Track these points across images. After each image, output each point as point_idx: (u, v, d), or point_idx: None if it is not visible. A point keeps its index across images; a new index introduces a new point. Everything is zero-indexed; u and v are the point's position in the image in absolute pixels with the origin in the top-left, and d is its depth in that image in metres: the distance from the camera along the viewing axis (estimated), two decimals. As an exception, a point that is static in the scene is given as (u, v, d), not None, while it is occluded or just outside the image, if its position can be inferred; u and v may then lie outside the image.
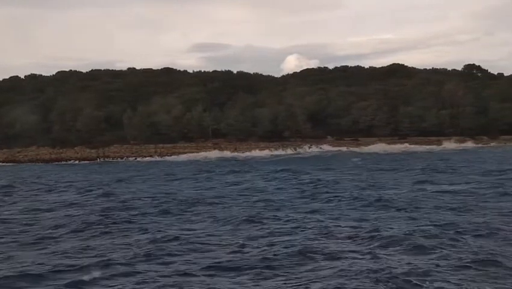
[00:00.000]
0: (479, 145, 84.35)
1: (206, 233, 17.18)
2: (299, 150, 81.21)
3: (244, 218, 19.33)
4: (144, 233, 17.26)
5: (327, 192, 26.51)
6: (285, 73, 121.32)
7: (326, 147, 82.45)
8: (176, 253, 14.49)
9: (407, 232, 15.78)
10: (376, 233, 15.89)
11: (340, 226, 17.55)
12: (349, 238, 15.67)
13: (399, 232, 16.00)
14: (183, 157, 76.01)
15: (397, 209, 20.56)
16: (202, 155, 77.13)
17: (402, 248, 14.19)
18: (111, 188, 32.54)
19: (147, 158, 77.97)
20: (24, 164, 74.30)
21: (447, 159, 53.37)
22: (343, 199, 23.83)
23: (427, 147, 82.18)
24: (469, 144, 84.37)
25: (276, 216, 19.77)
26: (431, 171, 38.34)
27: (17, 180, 42.04)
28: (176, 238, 16.18)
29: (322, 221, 18.49)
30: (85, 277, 12.24)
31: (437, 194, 24.94)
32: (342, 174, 38.09)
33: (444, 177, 33.40)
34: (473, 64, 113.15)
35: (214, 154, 77.34)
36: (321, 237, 15.82)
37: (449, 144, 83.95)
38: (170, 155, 79.54)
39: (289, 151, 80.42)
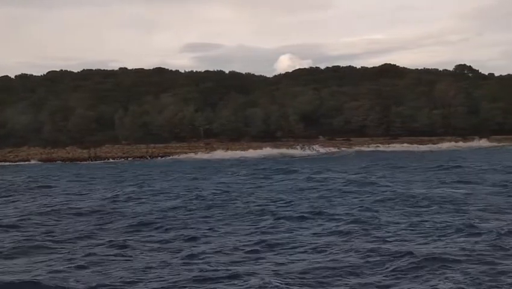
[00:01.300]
0: (478, 144, 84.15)
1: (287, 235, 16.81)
2: (291, 150, 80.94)
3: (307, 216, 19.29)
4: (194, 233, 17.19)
5: (369, 192, 26.24)
6: (277, 73, 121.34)
7: (318, 148, 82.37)
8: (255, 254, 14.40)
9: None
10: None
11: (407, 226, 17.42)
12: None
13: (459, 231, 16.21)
14: (184, 157, 75.88)
15: (451, 208, 20.53)
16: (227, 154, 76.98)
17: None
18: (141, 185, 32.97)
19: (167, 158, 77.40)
20: (19, 164, 73.52)
21: (463, 158, 53.45)
22: (391, 198, 23.50)
23: (428, 146, 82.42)
24: (480, 143, 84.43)
25: (337, 216, 19.61)
26: (451, 169, 38.74)
27: (33, 179, 41.74)
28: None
29: (391, 219, 18.42)
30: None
31: (476, 193, 24.82)
32: (368, 173, 37.50)
33: (472, 177, 32.95)
34: (464, 64, 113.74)
35: (228, 154, 76.90)
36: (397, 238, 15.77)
37: (447, 144, 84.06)
38: (163, 156, 79.24)
39: (297, 151, 79.62)
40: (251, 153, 77.11)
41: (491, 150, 71.19)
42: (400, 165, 45.58)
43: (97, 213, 21.91)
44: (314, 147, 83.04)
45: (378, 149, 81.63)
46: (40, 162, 75.69)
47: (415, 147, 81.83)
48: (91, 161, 78.21)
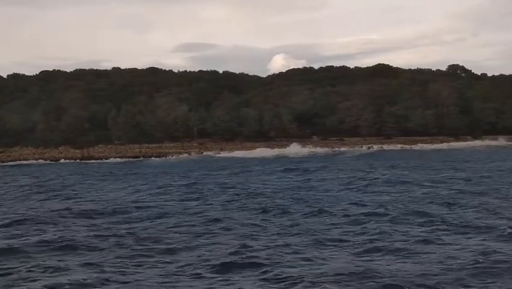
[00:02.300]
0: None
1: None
2: (292, 149, 79.72)
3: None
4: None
5: (397, 191, 26.19)
6: (271, 73, 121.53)
7: (319, 148, 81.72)
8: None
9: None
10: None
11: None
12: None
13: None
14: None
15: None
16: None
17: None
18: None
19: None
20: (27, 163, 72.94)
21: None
22: (421, 197, 23.36)
23: (434, 146, 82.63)
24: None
25: (369, 215, 19.41)
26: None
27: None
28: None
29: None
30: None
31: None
32: (388, 172, 37.14)
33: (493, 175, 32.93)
34: (457, 65, 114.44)
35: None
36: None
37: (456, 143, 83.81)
38: (156, 156, 78.72)
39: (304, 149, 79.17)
40: (256, 153, 76.19)
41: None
42: (413, 164, 45.23)
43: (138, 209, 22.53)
44: (308, 146, 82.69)
45: (380, 148, 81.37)
46: (47, 162, 74.76)
47: (416, 147, 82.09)
48: (84, 160, 77.55)
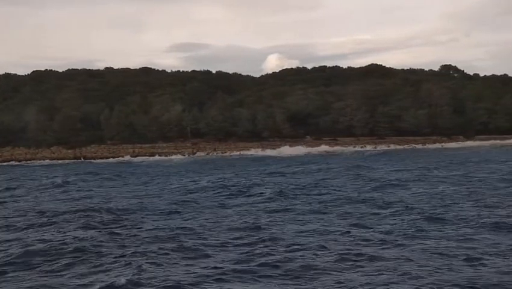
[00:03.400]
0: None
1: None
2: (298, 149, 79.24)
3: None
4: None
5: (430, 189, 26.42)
6: (265, 73, 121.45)
7: (324, 147, 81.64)
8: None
9: None
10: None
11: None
12: None
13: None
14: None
15: None
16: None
17: None
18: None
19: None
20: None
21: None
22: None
23: (428, 145, 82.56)
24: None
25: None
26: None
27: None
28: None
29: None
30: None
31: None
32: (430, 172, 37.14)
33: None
34: (449, 65, 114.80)
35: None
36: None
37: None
38: (150, 156, 78.49)
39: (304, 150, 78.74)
40: (251, 153, 75.95)
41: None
42: (415, 164, 45.17)
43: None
44: (303, 146, 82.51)
45: (374, 148, 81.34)
46: (39, 162, 74.33)
47: (410, 147, 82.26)
48: (77, 160, 77.28)
